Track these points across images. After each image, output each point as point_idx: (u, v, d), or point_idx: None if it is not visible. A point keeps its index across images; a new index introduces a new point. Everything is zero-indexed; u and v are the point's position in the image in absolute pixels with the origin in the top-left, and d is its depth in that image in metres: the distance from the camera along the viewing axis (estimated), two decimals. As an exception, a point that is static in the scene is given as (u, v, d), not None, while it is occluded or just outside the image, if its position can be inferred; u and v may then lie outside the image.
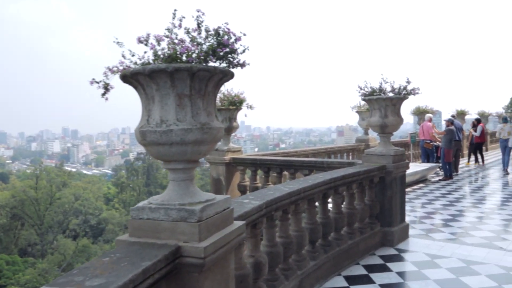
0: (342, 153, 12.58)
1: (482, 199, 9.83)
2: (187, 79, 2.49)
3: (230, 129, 8.88)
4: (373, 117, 6.36)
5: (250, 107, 8.66)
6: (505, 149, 15.61)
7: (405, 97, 6.28)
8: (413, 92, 6.38)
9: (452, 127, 13.84)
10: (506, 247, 6.22)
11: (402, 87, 6.37)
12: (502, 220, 7.73)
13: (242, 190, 8.70)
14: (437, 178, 13.65)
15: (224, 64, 2.72)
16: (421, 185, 12.21)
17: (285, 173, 7.96)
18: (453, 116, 16.79)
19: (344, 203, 5.73)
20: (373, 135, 14.55)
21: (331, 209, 5.43)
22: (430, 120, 15.29)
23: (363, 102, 13.57)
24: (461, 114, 20.21)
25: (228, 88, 8.67)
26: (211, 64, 2.62)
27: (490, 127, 27.89)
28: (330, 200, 5.35)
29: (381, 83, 6.44)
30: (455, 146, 14.20)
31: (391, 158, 6.18)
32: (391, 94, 6.34)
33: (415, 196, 10.37)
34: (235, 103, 8.59)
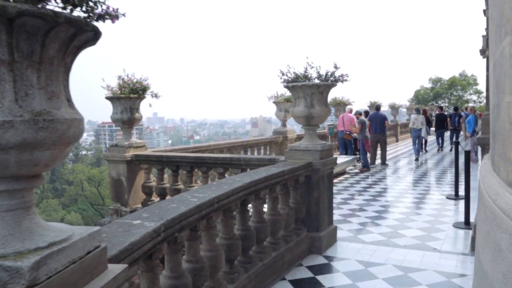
0: (259, 147, 11.78)
1: (404, 192, 9.53)
2: (0, 32, 1.36)
3: (131, 121, 7.63)
4: (297, 106, 5.51)
5: (155, 95, 7.45)
6: (417, 139, 16.16)
7: (333, 84, 5.50)
8: (341, 78, 5.63)
9: (362, 117, 13.89)
10: (439, 247, 5.72)
11: (329, 73, 5.59)
12: (428, 216, 7.33)
13: (148, 192, 7.51)
14: (355, 170, 13.40)
15: (81, 14, 1.62)
16: (340, 178, 11.79)
17: (198, 171, 6.92)
18: (365, 111, 16.84)
19: (266, 208, 4.83)
20: (291, 127, 13.92)
21: (251, 217, 4.49)
22: (351, 111, 15.21)
23: (280, 92, 12.87)
24: (375, 106, 20.34)
25: (129, 73, 7.40)
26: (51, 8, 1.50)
27: (400, 119, 28.91)
28: (250, 206, 4.41)
29: (306, 68, 5.62)
30: (374, 138, 14.23)
31: (318, 154, 5.39)
32: (317, 81, 5.54)
33: (337, 190, 9.82)
34: (137, 91, 7.34)
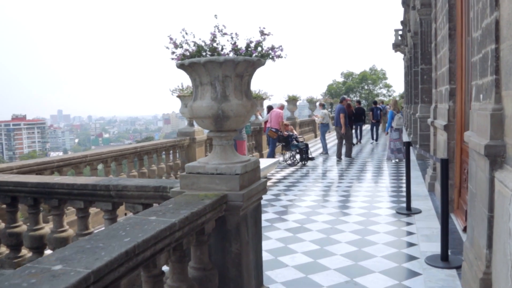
0: (160, 152, 9.31)
1: (343, 207, 7.61)
2: None
3: None
4: (199, 100, 3.21)
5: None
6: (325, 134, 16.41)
7: (259, 62, 3.25)
8: (273, 53, 3.42)
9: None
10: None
11: (253, 44, 3.36)
12: (386, 247, 5.41)
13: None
14: (279, 175, 11.41)
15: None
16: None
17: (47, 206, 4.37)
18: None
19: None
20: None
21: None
22: (282, 107, 14.23)
23: (186, 84, 10.47)
24: (293, 100, 18.77)
25: None
26: None
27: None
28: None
29: (214, 36, 3.33)
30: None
31: (238, 180, 3.13)
32: (233, 56, 3.28)
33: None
34: None
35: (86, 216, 4.07)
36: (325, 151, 16.39)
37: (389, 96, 56.80)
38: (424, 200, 7.82)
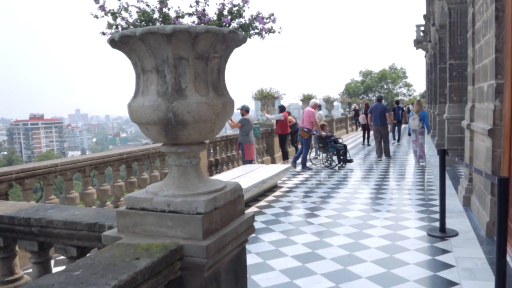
0: (153, 158, 8.20)
1: (358, 233, 6.38)
2: None
3: None
4: (140, 96, 2.06)
5: None
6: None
7: (236, 36, 2.08)
8: (262, 24, 2.32)
9: (248, 116, 11.10)
10: None
11: (227, 9, 2.21)
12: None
13: None
14: (290, 183, 10.22)
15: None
16: (268, 200, 8.50)
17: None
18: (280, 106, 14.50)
19: None
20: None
21: None
22: (314, 106, 13.26)
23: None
24: (308, 99, 17.57)
25: None
26: None
27: (335, 114, 26.46)
28: None
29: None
30: (376, 130, 14.32)
31: (200, 222, 1.96)
32: (191, 24, 2.12)
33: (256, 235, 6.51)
34: None
35: (11, 257, 2.96)
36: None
37: (409, 95, 55.10)
38: (460, 217, 6.55)
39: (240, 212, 2.35)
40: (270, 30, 2.51)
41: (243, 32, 2.18)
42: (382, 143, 14.52)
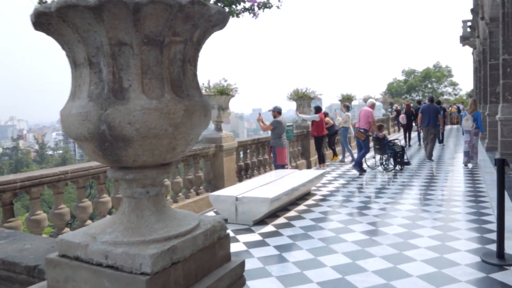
0: (176, 163, 7.68)
1: (397, 256, 5.57)
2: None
3: None
4: (70, 100, 1.46)
5: None
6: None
7: (207, 9, 1.45)
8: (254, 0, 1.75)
9: (280, 118, 10.29)
10: None
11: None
12: None
13: None
14: (324, 190, 9.45)
15: None
16: (298, 210, 7.77)
17: None
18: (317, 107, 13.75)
19: None
20: (230, 132, 9.86)
21: None
22: (372, 106, 12.40)
23: (213, 81, 8.81)
24: (347, 99, 16.71)
25: None
26: None
27: (376, 114, 25.34)
28: None
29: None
30: (426, 131, 13.61)
31: (144, 286, 1.36)
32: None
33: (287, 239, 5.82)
34: None
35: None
36: (352, 157, 14.27)
37: (455, 95, 52.71)
38: (521, 238, 5.61)
39: (222, 260, 1.69)
40: (265, 5, 1.96)
41: (224, 8, 1.57)
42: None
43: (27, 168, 60.20)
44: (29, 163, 59.23)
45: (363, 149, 12.17)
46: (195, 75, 1.54)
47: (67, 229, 5.70)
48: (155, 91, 1.36)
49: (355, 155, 13.16)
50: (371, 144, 13.04)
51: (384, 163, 12.31)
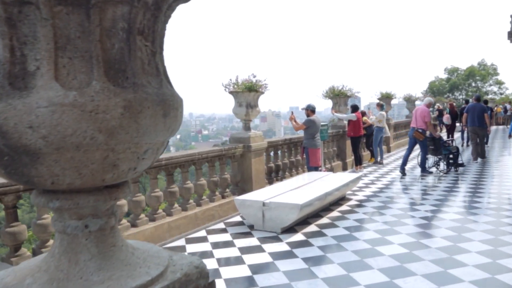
0: (199, 165, 7.24)
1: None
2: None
3: None
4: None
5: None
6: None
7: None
8: None
9: (313, 117, 9.69)
10: None
11: None
12: None
13: None
14: (361, 194, 8.81)
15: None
16: (331, 216, 7.19)
17: None
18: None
19: None
20: (258, 131, 9.36)
21: None
22: (429, 104, 11.65)
23: (241, 78, 8.36)
24: (387, 98, 15.93)
25: None
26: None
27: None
28: None
29: None
30: (472, 131, 13.48)
31: None
32: None
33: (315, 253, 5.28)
34: None
35: None
36: (382, 158, 14.08)
37: (501, 94, 50.29)
38: None
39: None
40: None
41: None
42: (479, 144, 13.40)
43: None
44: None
45: (421, 150, 11.58)
46: (153, 54, 1.04)
47: (24, 249, 4.92)
48: (77, 76, 0.88)
49: (401, 159, 12.37)
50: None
51: (438, 164, 11.75)
